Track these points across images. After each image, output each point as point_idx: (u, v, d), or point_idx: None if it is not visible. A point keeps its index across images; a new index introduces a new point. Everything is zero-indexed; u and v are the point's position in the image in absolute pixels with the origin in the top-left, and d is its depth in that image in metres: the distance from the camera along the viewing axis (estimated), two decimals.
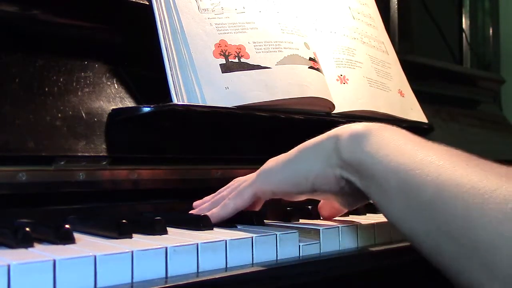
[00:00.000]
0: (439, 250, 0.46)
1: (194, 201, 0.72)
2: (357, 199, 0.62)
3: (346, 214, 0.72)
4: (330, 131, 0.58)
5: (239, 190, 0.66)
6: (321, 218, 0.71)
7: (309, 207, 0.73)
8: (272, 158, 0.64)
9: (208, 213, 0.65)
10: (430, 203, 0.46)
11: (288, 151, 0.62)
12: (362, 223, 0.66)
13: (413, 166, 0.48)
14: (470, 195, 0.44)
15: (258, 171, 0.65)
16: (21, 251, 0.47)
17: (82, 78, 0.74)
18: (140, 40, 0.81)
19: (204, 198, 0.72)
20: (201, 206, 0.70)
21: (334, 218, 0.71)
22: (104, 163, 0.70)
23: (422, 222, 0.47)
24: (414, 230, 0.48)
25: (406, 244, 0.58)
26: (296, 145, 0.62)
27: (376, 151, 0.52)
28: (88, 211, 0.70)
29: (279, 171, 0.61)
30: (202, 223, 0.60)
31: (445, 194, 0.45)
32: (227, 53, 0.78)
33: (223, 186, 0.71)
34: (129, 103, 0.75)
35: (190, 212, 0.71)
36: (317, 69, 0.86)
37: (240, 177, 0.70)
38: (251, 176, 0.66)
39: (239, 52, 0.79)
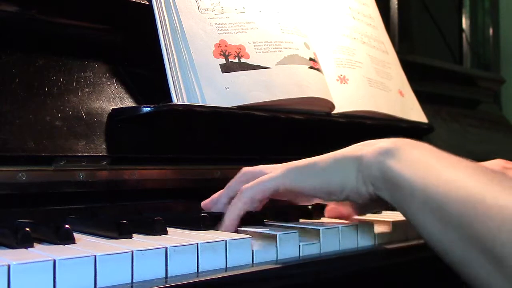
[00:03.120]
0: (466, 262, 0.48)
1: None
2: (377, 207, 0.63)
3: None
4: (360, 144, 0.59)
5: (258, 182, 0.62)
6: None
7: (309, 206, 0.73)
8: (297, 161, 0.62)
9: (228, 209, 0.62)
10: (456, 219, 0.48)
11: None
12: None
13: (439, 184, 0.50)
14: (490, 210, 0.46)
15: (282, 169, 0.62)
16: (21, 251, 0.47)
17: (82, 78, 0.74)
18: (140, 40, 0.81)
19: (212, 196, 0.68)
20: (215, 201, 0.67)
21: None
22: (104, 163, 0.70)
23: (448, 236, 0.49)
24: (442, 242, 0.50)
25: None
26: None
27: (404, 169, 0.53)
28: (88, 211, 0.70)
29: (313, 176, 0.60)
30: (202, 223, 0.60)
31: (469, 212, 0.47)
32: (227, 53, 0.78)
33: (223, 186, 0.70)
34: (129, 103, 0.76)
35: (202, 211, 0.68)
36: (317, 69, 0.86)
37: (248, 168, 0.66)
38: (272, 170, 0.63)
39: (239, 52, 0.79)
